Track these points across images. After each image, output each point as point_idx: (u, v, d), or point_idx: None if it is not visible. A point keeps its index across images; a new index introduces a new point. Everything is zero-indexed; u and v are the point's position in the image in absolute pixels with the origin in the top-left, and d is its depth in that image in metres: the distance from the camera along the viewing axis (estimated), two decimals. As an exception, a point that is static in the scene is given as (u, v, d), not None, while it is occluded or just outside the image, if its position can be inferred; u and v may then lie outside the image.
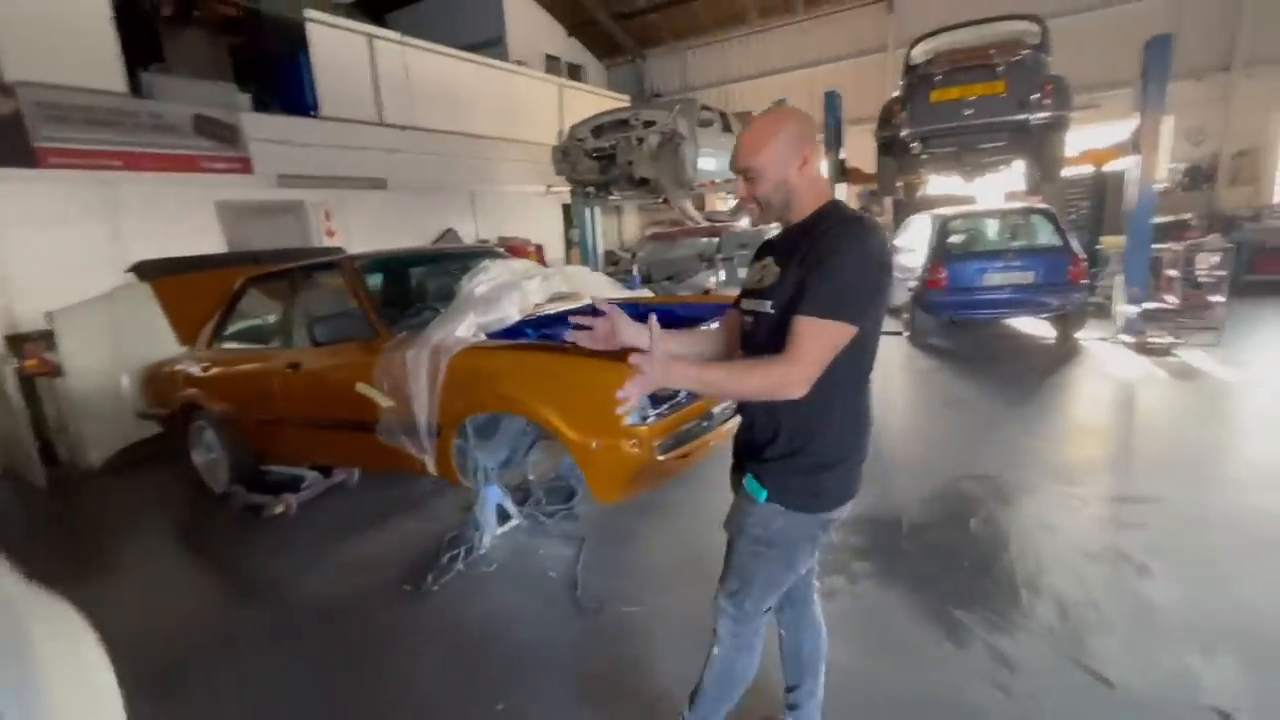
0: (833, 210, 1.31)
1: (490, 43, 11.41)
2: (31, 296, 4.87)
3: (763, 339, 1.31)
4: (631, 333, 1.36)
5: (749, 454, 1.40)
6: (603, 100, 11.46)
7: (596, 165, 7.82)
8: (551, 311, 3.63)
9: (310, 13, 7.16)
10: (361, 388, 2.98)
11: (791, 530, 1.36)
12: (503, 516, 3.29)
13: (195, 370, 3.93)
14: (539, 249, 9.69)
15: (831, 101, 7.19)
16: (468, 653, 2.44)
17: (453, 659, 2.42)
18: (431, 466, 2.88)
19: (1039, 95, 5.25)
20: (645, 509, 3.40)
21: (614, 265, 9.06)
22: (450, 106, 8.71)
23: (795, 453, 1.31)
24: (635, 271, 7.19)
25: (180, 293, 4.30)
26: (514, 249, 9.29)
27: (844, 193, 7.56)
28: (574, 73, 13.67)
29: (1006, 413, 4.59)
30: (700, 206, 9.14)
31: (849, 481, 1.37)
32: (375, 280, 4.18)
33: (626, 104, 10.61)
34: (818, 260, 1.21)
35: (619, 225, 12.75)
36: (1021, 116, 5.33)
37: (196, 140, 6.03)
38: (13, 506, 4.51)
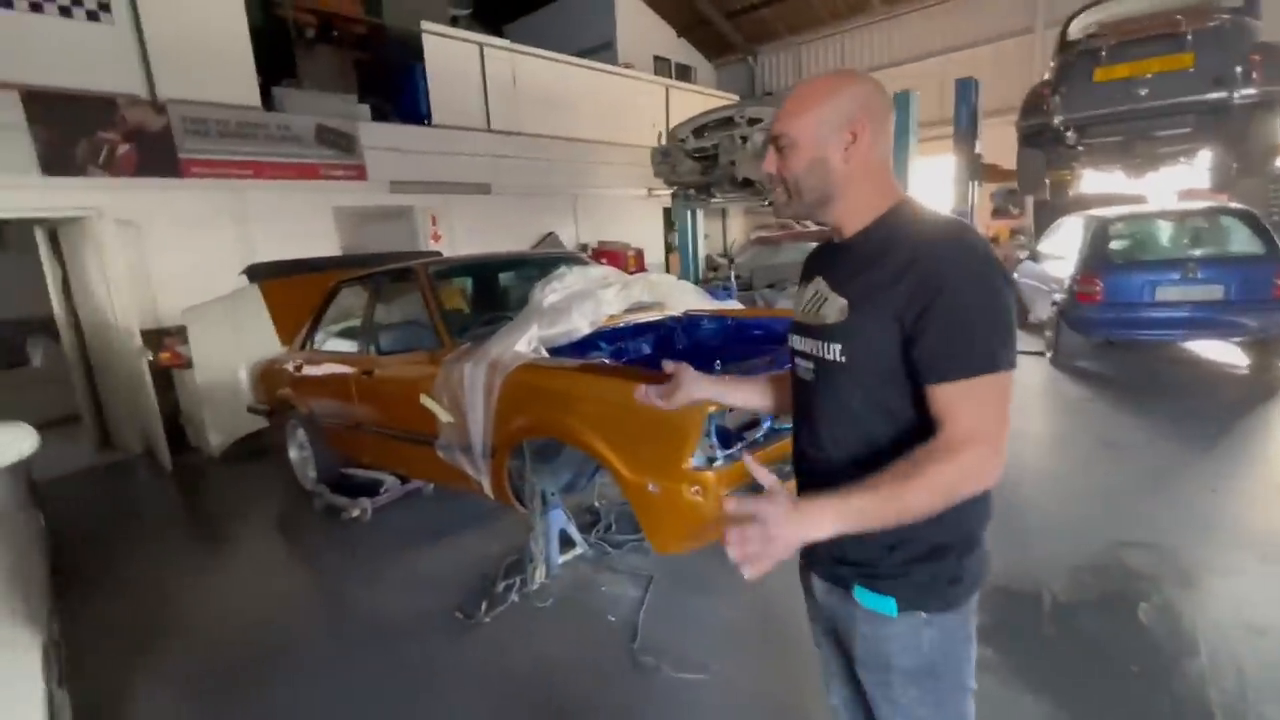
0: (910, 214, 0.97)
1: (601, 47, 11.44)
2: (172, 294, 5.32)
3: (831, 398, 0.99)
4: (703, 387, 1.23)
5: (841, 556, 1.01)
6: (710, 100, 11.10)
7: (698, 166, 7.48)
8: (629, 323, 3.36)
9: (427, 25, 7.44)
10: (425, 400, 2.85)
11: (948, 640, 0.99)
12: (566, 542, 3.04)
13: (290, 370, 4.05)
14: (639, 254, 9.51)
15: (965, 89, 6.37)
16: (507, 702, 2.21)
17: (490, 707, 2.19)
18: (487, 488, 2.68)
19: (1243, 68, 4.23)
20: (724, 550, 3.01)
21: (714, 271, 8.66)
22: (554, 111, 8.74)
23: (920, 538, 0.94)
24: (732, 278, 6.76)
25: (284, 294, 4.49)
26: (612, 254, 9.18)
27: (975, 193, 6.67)
28: (683, 74, 13.42)
29: (1184, 460, 3.71)
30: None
31: (985, 551, 1.02)
32: (460, 285, 4.12)
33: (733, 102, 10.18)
34: (934, 294, 0.87)
35: (724, 229, 12.32)
36: (1218, 95, 4.32)
37: (318, 149, 6.40)
38: (139, 485, 4.95)
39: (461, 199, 7.76)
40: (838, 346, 0.96)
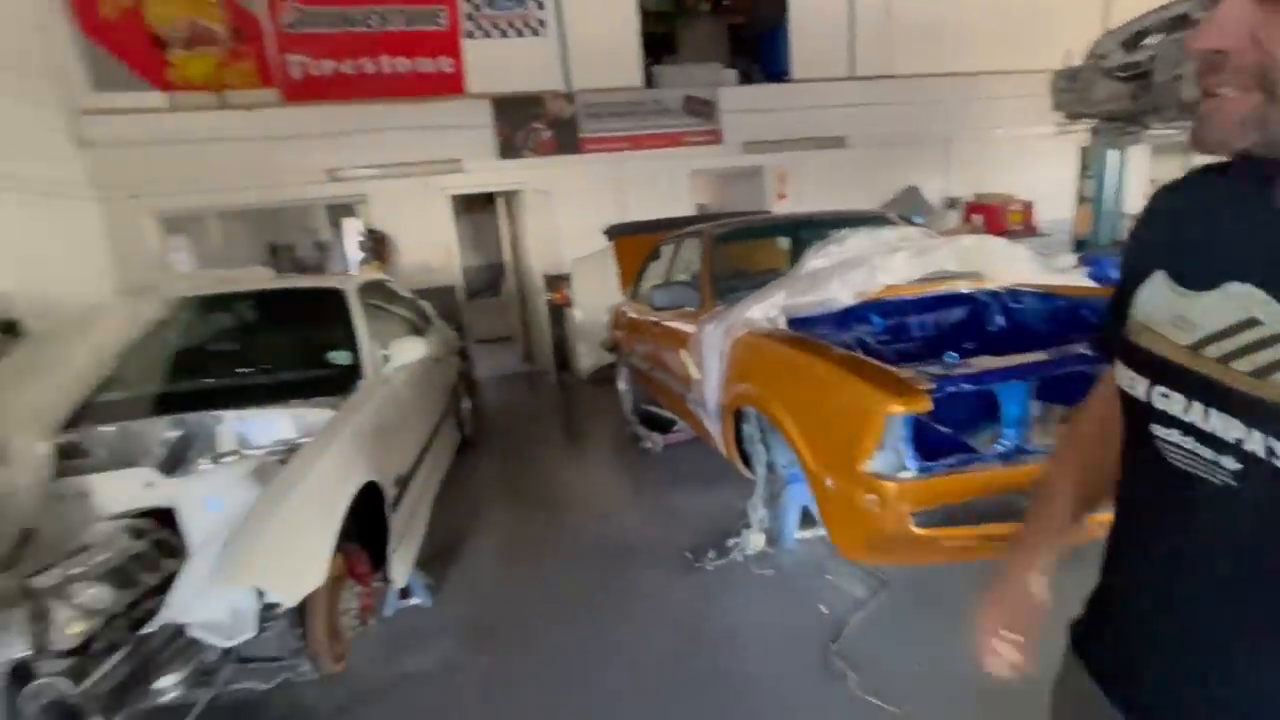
0: None
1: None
2: (571, 247, 6.76)
3: (1273, 533, 0.54)
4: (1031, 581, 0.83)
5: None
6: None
7: (1125, 89, 5.63)
8: (924, 295, 2.91)
9: (795, -23, 7.35)
10: (684, 355, 3.08)
11: None
12: (809, 520, 2.94)
13: (618, 316, 4.81)
14: (1026, 207, 7.78)
15: None
16: (686, 646, 2.36)
17: (670, 646, 2.37)
18: (720, 447, 2.78)
19: None
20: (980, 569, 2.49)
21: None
22: (934, 45, 7.64)
23: None
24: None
25: (628, 251, 5.27)
26: (988, 209, 7.75)
27: None
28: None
29: None
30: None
31: None
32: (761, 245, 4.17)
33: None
34: None
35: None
36: None
37: (683, 119, 7.11)
38: (534, 389, 6.67)
39: (812, 155, 7.60)
40: None
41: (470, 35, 6.48)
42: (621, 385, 5.10)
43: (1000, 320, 3.02)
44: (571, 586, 2.87)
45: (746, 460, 2.72)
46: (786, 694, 2.10)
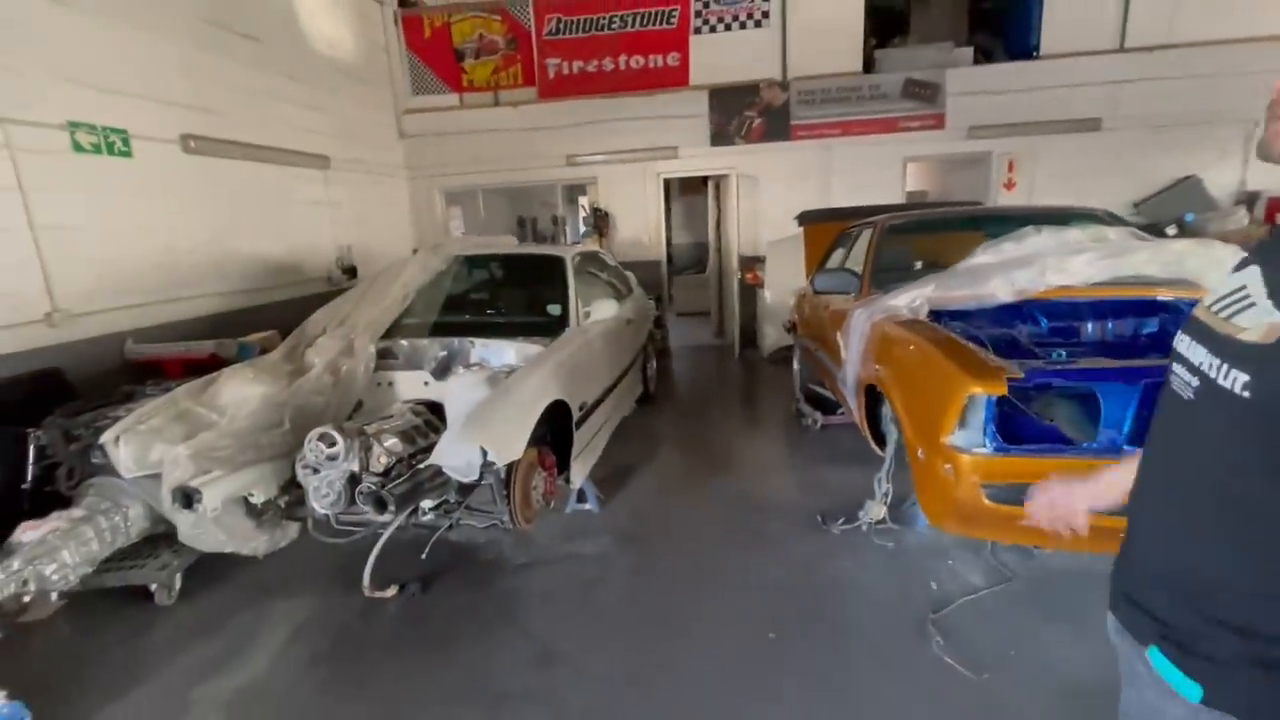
0: None
1: None
2: (770, 230, 7.10)
3: (1205, 434, 0.80)
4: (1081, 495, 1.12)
5: (1171, 614, 0.85)
6: None
7: None
8: (1107, 299, 2.80)
9: (1058, -63, 6.56)
10: (839, 337, 3.33)
11: None
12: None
13: (800, 300, 5.07)
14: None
15: None
16: (794, 591, 2.71)
17: (780, 589, 2.74)
18: (859, 423, 3.01)
19: None
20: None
21: None
22: (1236, 4, 6.27)
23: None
24: None
25: (816, 237, 5.45)
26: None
27: None
28: None
29: None
30: None
31: None
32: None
33: None
34: None
35: None
36: None
37: (901, 103, 6.88)
38: (718, 361, 7.19)
39: (1055, 139, 6.81)
40: (1243, 376, 0.72)
41: (698, 31, 7.04)
42: (796, 365, 5.38)
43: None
44: (712, 523, 3.38)
45: (882, 439, 2.93)
46: (874, 638, 2.37)
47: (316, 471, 2.51)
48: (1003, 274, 2.71)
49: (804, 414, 4.70)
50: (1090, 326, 2.82)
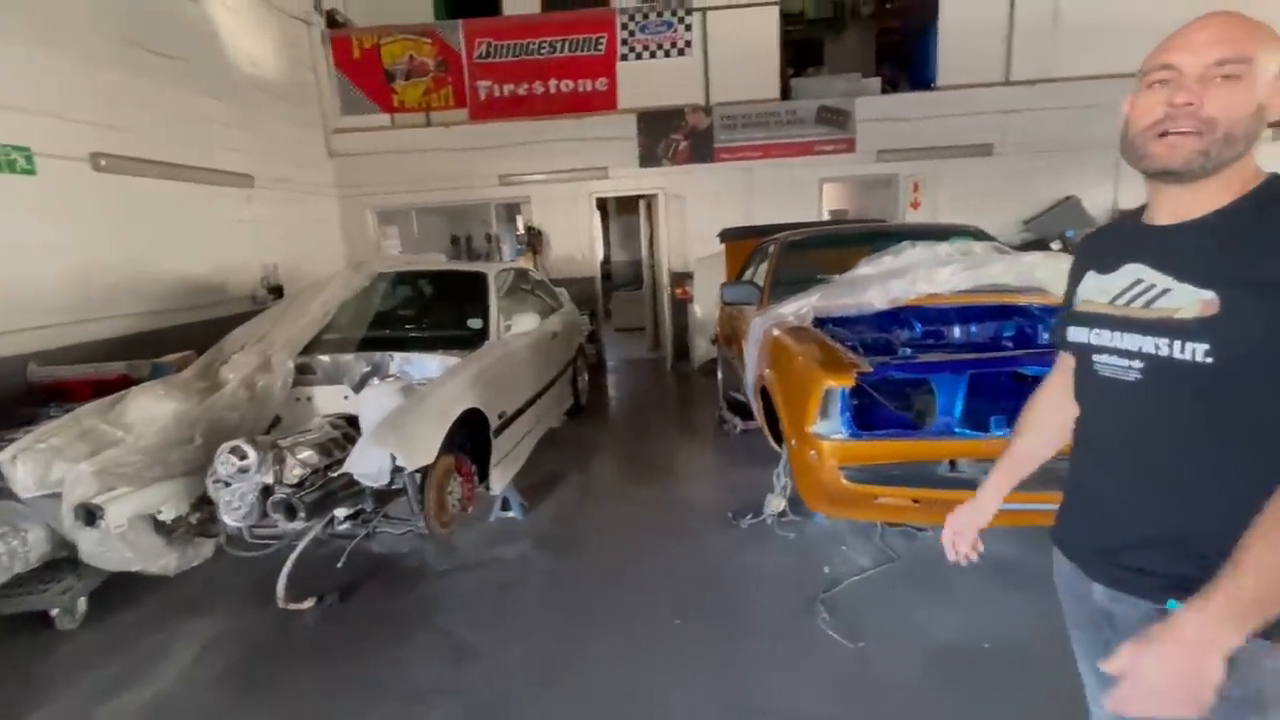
0: None
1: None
2: (698, 248, 7.38)
3: (1167, 409, 0.90)
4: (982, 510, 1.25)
5: (1175, 567, 0.91)
6: None
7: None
8: (968, 305, 3.14)
9: (947, -18, 7.21)
10: (745, 344, 3.58)
11: None
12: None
13: (720, 312, 5.34)
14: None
15: None
16: (702, 579, 2.90)
17: (691, 576, 2.93)
18: (761, 423, 3.25)
19: None
20: (1005, 570, 2.73)
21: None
22: (1106, 43, 7.02)
23: None
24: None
25: (735, 254, 5.76)
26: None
27: None
28: None
29: None
30: None
31: None
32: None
33: None
34: None
35: None
36: None
37: (816, 128, 7.35)
38: (651, 374, 7.38)
39: (954, 163, 7.41)
40: (1201, 346, 0.82)
41: (624, 58, 7.34)
42: (719, 374, 5.64)
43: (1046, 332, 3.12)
44: (631, 524, 3.54)
45: (780, 438, 3.17)
46: (769, 618, 2.58)
47: (228, 485, 2.54)
48: (879, 284, 3.01)
49: (725, 420, 4.94)
50: (957, 330, 3.15)
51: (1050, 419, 1.17)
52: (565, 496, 3.93)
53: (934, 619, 2.50)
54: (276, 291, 6.13)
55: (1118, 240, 1.00)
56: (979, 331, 3.15)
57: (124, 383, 3.70)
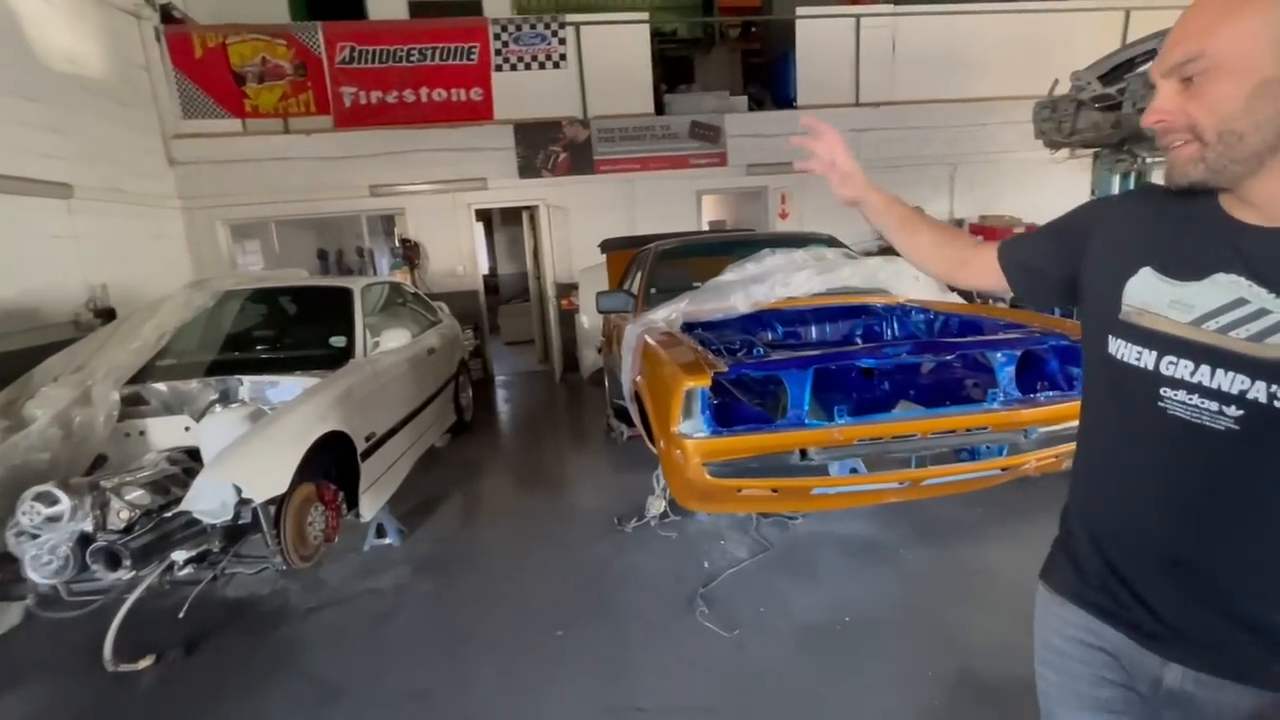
0: None
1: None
2: (582, 259, 7.41)
3: (1265, 465, 0.72)
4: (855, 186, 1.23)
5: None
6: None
7: (1105, 119, 5.84)
8: (823, 306, 3.40)
9: (801, 9, 7.80)
10: (622, 352, 3.64)
11: None
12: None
13: (605, 322, 5.40)
14: (1030, 229, 7.91)
15: None
16: (588, 580, 2.92)
17: (579, 578, 2.94)
18: (641, 430, 3.32)
19: None
20: (863, 551, 2.96)
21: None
22: (938, 72, 7.93)
23: None
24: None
25: (616, 263, 5.87)
26: (989, 230, 7.95)
27: None
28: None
29: None
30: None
31: None
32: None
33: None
34: None
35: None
36: None
37: (689, 143, 7.67)
38: (540, 386, 7.33)
39: (816, 177, 7.94)
40: None
41: (499, 69, 7.26)
42: (606, 383, 5.69)
43: (894, 329, 3.45)
44: (514, 539, 3.48)
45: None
46: (650, 618, 2.63)
47: (34, 537, 2.21)
48: (742, 289, 3.18)
49: (612, 428, 4.99)
50: (814, 330, 3.40)
51: (939, 250, 1.11)
52: (447, 517, 3.79)
53: (800, 600, 2.67)
54: (107, 315, 5.43)
55: (1186, 228, 0.78)
56: (832, 331, 3.42)
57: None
